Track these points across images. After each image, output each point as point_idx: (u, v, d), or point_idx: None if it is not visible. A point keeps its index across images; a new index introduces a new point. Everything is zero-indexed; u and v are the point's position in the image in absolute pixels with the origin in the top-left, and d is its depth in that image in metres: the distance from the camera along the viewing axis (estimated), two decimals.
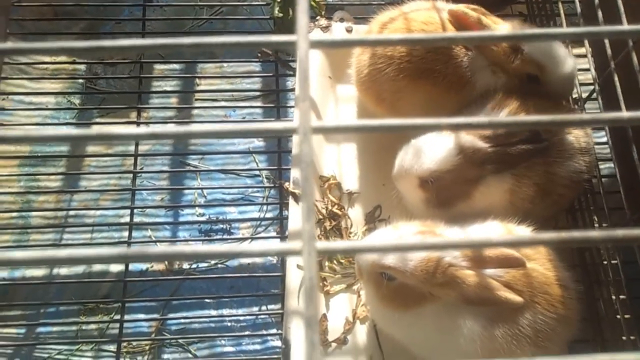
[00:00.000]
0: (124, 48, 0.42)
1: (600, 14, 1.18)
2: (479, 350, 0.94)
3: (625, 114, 0.39)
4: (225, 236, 1.52)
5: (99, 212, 1.54)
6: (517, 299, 0.91)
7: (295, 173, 1.18)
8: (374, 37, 0.40)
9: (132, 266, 1.44)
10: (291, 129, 0.38)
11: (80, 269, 1.47)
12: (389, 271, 0.95)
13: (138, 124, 1.54)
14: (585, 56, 1.30)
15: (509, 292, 0.92)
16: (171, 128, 0.41)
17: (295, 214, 1.13)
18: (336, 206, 1.19)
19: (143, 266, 1.47)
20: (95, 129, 0.38)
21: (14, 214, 1.51)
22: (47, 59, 1.70)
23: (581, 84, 1.30)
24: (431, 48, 1.13)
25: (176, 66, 1.75)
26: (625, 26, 0.42)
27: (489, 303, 0.92)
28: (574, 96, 1.29)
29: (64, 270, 1.47)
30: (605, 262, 1.16)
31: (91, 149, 1.62)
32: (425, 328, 0.97)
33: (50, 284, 1.42)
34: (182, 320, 1.41)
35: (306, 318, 0.31)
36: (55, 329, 1.40)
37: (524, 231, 1.03)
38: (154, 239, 1.51)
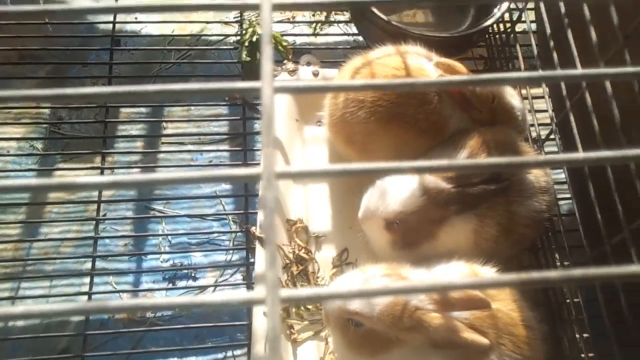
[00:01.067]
0: (89, 95, 0.42)
1: (555, 56, 1.22)
2: None
3: (580, 155, 0.40)
4: (189, 282, 1.49)
5: (59, 261, 1.49)
6: (483, 340, 0.91)
7: (261, 217, 1.17)
8: (337, 83, 0.41)
9: (93, 316, 1.39)
10: (255, 174, 0.38)
11: (37, 321, 1.41)
12: (356, 317, 0.94)
13: (102, 169, 1.52)
14: (542, 97, 1.34)
15: (475, 334, 0.91)
16: (134, 176, 0.40)
17: (262, 259, 1.12)
18: (303, 250, 1.18)
19: (104, 316, 1.42)
20: (56, 179, 0.37)
21: None
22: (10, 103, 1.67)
23: (540, 124, 1.34)
24: (403, 93, 1.15)
25: (143, 109, 1.74)
26: (578, 70, 0.43)
27: (455, 346, 0.91)
28: (532, 136, 1.33)
29: (20, 324, 1.41)
30: (568, 301, 1.17)
31: (53, 195, 1.58)
32: None
33: (5, 340, 1.36)
34: None
35: None
36: None
37: (489, 271, 1.03)
38: (115, 286, 1.47)
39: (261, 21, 0.41)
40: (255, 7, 0.44)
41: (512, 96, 1.25)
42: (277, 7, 0.44)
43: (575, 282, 0.38)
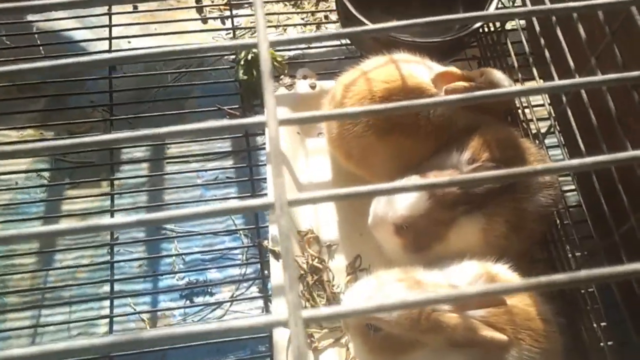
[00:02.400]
0: (97, 143, 0.44)
1: (547, 52, 1.25)
2: None
3: (574, 161, 0.42)
4: (206, 298, 1.51)
5: (76, 287, 1.51)
6: (502, 337, 0.93)
7: (273, 230, 1.19)
8: (338, 111, 0.43)
9: None
10: (268, 204, 0.40)
11: (62, 345, 1.43)
12: (375, 322, 0.96)
13: (112, 195, 1.54)
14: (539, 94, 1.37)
15: (493, 331, 0.93)
16: (147, 216, 0.42)
17: (277, 271, 1.14)
18: (316, 260, 1.21)
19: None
20: (67, 225, 0.40)
21: None
22: (13, 133, 1.70)
23: (539, 119, 1.36)
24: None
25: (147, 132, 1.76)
26: (585, 79, 0.45)
27: (475, 344, 0.93)
28: (532, 130, 1.35)
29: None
30: (583, 291, 1.18)
31: (65, 222, 1.60)
32: None
33: None
34: None
35: None
36: None
37: (501, 269, 1.05)
38: (134, 307, 1.49)
39: (260, 60, 0.43)
40: (253, 46, 0.46)
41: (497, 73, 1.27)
42: (274, 44, 0.46)
43: (582, 283, 0.40)
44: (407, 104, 0.45)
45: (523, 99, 1.40)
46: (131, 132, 0.44)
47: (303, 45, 1.79)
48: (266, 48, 0.44)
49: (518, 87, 1.31)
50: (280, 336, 1.07)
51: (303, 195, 0.43)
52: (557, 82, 0.50)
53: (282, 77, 1.38)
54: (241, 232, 1.59)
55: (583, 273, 0.39)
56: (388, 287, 0.98)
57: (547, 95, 1.36)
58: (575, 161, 0.42)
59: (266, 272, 1.36)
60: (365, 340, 0.99)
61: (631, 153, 0.42)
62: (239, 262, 1.56)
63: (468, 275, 1.03)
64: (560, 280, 0.39)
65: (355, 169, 1.25)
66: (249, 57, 1.48)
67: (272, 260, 1.15)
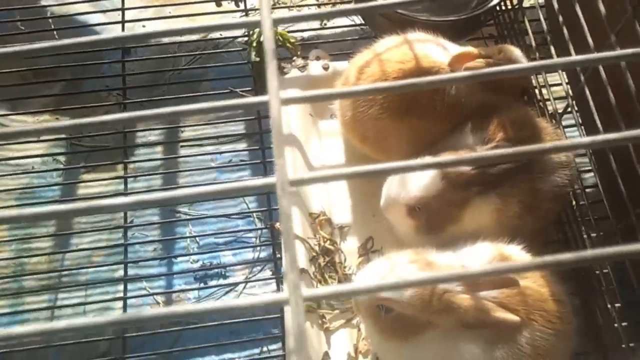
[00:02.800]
0: (107, 122, 0.44)
1: (565, 30, 1.22)
2: None
3: (585, 139, 0.41)
4: (220, 281, 1.52)
5: (92, 270, 1.53)
6: (514, 318, 0.92)
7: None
8: (341, 90, 0.42)
9: None
10: (270, 184, 0.39)
11: (61, 323, 1.45)
12: (386, 303, 0.96)
13: (125, 178, 1.55)
14: (556, 70, 1.34)
15: (505, 313, 0.92)
16: (158, 194, 0.42)
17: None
18: (328, 242, 1.20)
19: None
20: (82, 203, 0.40)
21: (7, 279, 1.50)
22: (29, 119, 1.72)
23: (555, 98, 1.33)
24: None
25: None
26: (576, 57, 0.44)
27: (487, 325, 0.93)
28: (549, 110, 1.33)
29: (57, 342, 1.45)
30: (597, 272, 1.17)
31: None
32: (427, 356, 0.98)
33: (48, 347, 1.41)
34: None
35: None
36: None
37: (515, 250, 1.04)
38: (149, 290, 1.50)
39: (264, 38, 0.43)
40: (256, 25, 0.45)
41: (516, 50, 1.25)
42: (277, 22, 0.45)
43: (588, 263, 0.39)
44: (412, 82, 0.44)
45: (540, 79, 1.37)
46: (138, 112, 0.43)
47: (317, 26, 1.78)
48: (269, 25, 0.44)
49: (533, 63, 1.28)
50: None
51: (305, 175, 0.42)
52: (573, 57, 0.49)
53: (294, 58, 1.37)
54: (254, 215, 1.60)
55: (590, 252, 0.38)
56: (400, 269, 0.98)
57: (564, 74, 1.33)
58: (587, 139, 0.41)
59: (278, 254, 1.36)
60: (377, 321, 0.98)
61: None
62: (252, 244, 1.57)
63: (481, 257, 1.02)
64: (567, 260, 0.38)
65: (370, 152, 1.24)
66: (261, 39, 1.46)
67: (283, 241, 1.15)
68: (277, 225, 1.18)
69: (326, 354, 1.10)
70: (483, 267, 0.37)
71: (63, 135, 1.74)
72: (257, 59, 1.37)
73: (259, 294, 1.49)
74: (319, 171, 0.33)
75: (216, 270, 1.53)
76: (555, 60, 0.42)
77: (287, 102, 0.41)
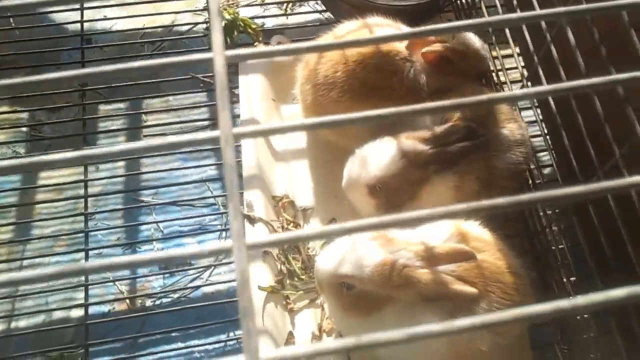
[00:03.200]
0: (66, 79, 0.43)
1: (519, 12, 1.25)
2: (441, 345, 0.96)
3: (546, 87, 0.43)
4: (185, 268, 1.51)
5: (54, 259, 1.50)
6: (472, 290, 0.94)
7: (248, 196, 1.19)
8: (287, 46, 0.43)
9: (93, 309, 1.42)
10: (214, 137, 0.40)
11: (40, 318, 1.43)
12: (347, 280, 0.97)
13: (86, 165, 1.53)
14: (512, 56, 1.37)
15: (463, 285, 0.95)
16: (113, 148, 0.42)
17: (250, 235, 1.14)
18: (292, 224, 1.21)
19: (105, 308, 1.45)
20: (39, 158, 0.40)
21: None
22: None
23: (512, 82, 1.36)
24: (372, 69, 1.17)
25: (121, 105, 1.75)
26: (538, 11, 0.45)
27: (446, 297, 0.95)
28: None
29: (22, 323, 1.43)
30: (553, 248, 1.20)
31: (41, 196, 1.59)
32: (389, 330, 0.99)
33: (10, 337, 1.38)
34: (150, 357, 1.39)
35: (241, 308, 0.33)
36: None
37: (472, 226, 1.06)
38: (112, 278, 1.49)
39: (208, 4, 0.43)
40: None
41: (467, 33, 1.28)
42: None
43: (524, 205, 0.41)
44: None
45: (497, 63, 1.40)
46: (99, 68, 0.43)
47: (279, 13, 1.78)
48: None
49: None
50: (255, 300, 1.08)
51: (249, 128, 0.43)
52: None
53: (256, 44, 1.37)
54: (219, 201, 1.59)
55: (525, 197, 0.40)
56: (361, 246, 0.99)
57: (520, 59, 1.37)
58: (548, 87, 0.43)
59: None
60: (339, 298, 1.00)
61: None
62: (217, 230, 1.56)
63: (440, 233, 1.04)
64: (503, 204, 0.40)
65: (329, 135, 1.26)
66: (223, 23, 1.46)
67: (247, 225, 1.16)
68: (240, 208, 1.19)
69: (290, 334, 1.11)
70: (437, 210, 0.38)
71: (23, 126, 1.71)
72: None
73: (225, 281, 1.48)
74: (263, 125, 0.33)
75: (180, 257, 1.52)
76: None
77: (231, 59, 0.42)
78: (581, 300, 0.39)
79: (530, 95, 0.45)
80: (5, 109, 1.71)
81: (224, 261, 1.51)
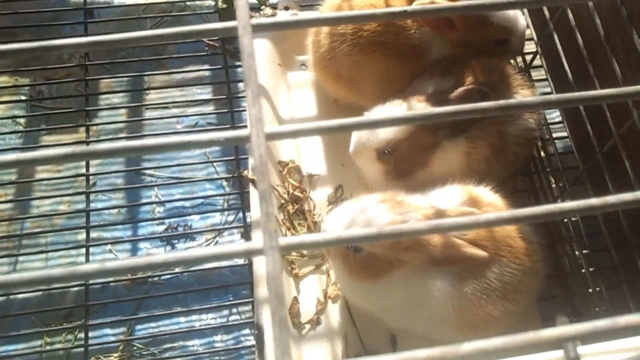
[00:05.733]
0: (70, 46, 0.40)
1: None
2: (451, 310, 0.93)
3: (553, 96, 0.41)
4: (188, 243, 1.48)
5: (54, 234, 1.47)
6: (482, 253, 0.91)
7: (252, 161, 1.16)
8: (314, 16, 0.40)
9: (93, 280, 1.39)
10: (244, 137, 0.37)
11: (39, 292, 1.40)
12: (355, 243, 0.94)
13: (87, 142, 1.50)
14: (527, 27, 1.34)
15: (473, 248, 0.91)
16: (124, 143, 0.39)
17: (257, 201, 1.11)
18: (297, 189, 1.18)
19: (105, 281, 1.42)
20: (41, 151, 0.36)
21: None
22: None
23: (525, 53, 1.33)
24: (380, 22, 1.15)
25: (123, 79, 1.72)
26: None
27: (455, 261, 0.92)
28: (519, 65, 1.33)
29: (20, 296, 1.40)
30: (565, 220, 1.17)
31: (41, 169, 1.57)
32: (397, 295, 0.96)
33: (11, 298, 1.36)
34: (151, 331, 1.36)
35: (275, 314, 0.30)
36: (19, 346, 1.33)
37: (483, 191, 1.03)
38: (116, 255, 1.46)
39: None
40: None
41: None
42: None
43: (545, 218, 0.39)
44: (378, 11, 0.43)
45: None
46: (105, 37, 0.41)
47: None
48: None
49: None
50: (261, 266, 1.05)
51: (283, 128, 0.39)
52: None
53: (263, 7, 1.34)
54: (223, 180, 1.56)
55: (545, 207, 0.37)
56: (370, 209, 0.96)
57: (532, 29, 1.34)
58: (554, 96, 0.40)
59: (248, 220, 1.33)
60: (346, 262, 0.97)
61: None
62: (220, 208, 1.53)
63: (451, 197, 1.01)
64: (525, 215, 0.37)
65: (343, 91, 1.23)
66: None
67: (252, 189, 1.13)
68: (246, 172, 1.16)
69: (295, 299, 1.08)
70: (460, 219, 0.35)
71: (23, 97, 1.68)
72: (224, 6, 1.34)
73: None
74: (297, 125, 0.31)
75: (183, 233, 1.49)
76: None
77: (257, 28, 0.39)
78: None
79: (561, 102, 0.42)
80: (5, 78, 1.69)
81: (227, 239, 1.48)
